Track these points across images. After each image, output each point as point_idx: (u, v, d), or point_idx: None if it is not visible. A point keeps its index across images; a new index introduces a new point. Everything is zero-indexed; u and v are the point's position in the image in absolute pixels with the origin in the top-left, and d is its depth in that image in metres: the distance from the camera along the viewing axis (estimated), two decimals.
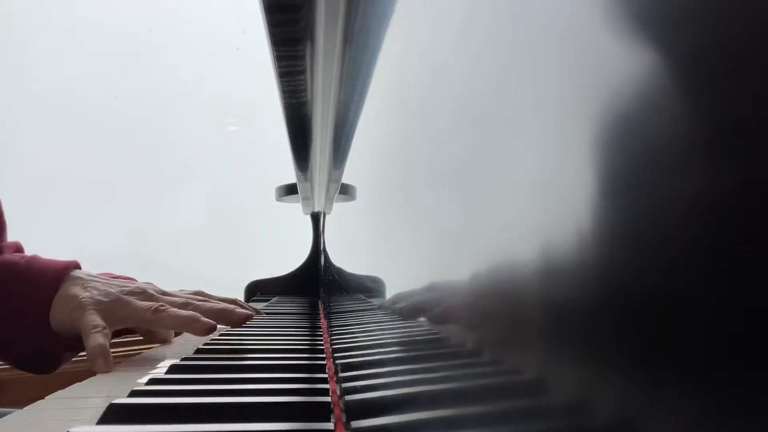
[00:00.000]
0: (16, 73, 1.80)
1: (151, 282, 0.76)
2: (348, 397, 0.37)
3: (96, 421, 0.38)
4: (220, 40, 1.97)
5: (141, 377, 0.54)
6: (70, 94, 1.84)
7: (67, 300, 0.67)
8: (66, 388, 0.53)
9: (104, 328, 0.64)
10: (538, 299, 0.13)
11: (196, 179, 1.99)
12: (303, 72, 0.55)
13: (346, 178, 0.75)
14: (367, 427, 0.33)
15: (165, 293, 0.73)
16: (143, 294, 0.70)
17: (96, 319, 0.64)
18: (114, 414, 0.39)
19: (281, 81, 0.57)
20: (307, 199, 1.27)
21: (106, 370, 0.61)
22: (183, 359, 0.60)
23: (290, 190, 1.35)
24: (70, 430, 0.36)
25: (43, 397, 0.49)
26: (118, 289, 0.69)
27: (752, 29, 0.07)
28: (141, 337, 0.83)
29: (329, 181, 0.87)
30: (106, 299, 0.67)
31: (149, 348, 0.83)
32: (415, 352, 0.28)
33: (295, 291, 1.48)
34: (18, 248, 0.82)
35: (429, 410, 0.23)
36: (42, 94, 1.82)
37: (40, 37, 1.82)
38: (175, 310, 0.68)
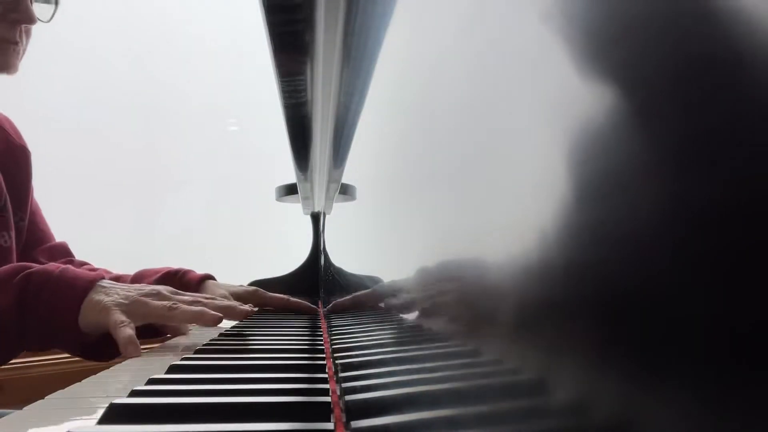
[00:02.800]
0: (17, 73, 1.80)
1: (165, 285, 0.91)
2: (348, 397, 0.37)
3: (96, 421, 0.38)
4: (221, 40, 1.97)
5: (141, 377, 0.54)
6: (71, 94, 1.84)
7: (93, 305, 0.79)
8: (66, 388, 0.53)
9: (129, 323, 0.76)
10: (538, 299, 0.13)
11: (196, 179, 1.99)
12: (303, 72, 0.54)
13: (346, 178, 0.75)
14: (367, 427, 0.33)
15: (177, 293, 0.86)
16: (158, 295, 0.83)
17: (120, 316, 0.76)
18: (114, 414, 0.39)
19: (281, 81, 0.57)
20: (307, 199, 1.27)
21: (138, 355, 0.72)
22: (183, 359, 0.60)
23: (290, 190, 1.35)
24: (70, 430, 0.36)
25: (43, 397, 0.49)
26: (136, 292, 0.82)
27: (742, 37, 0.07)
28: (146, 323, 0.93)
29: (329, 181, 0.87)
30: (126, 301, 0.79)
31: (149, 348, 0.83)
32: (415, 352, 0.28)
33: (295, 291, 1.48)
34: (65, 248, 1.10)
35: (429, 410, 0.23)
36: (43, 95, 1.82)
37: (42, 36, 1.82)
38: (186, 306, 0.81)
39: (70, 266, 0.85)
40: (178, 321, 0.83)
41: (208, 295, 0.91)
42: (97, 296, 0.80)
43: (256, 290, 1.12)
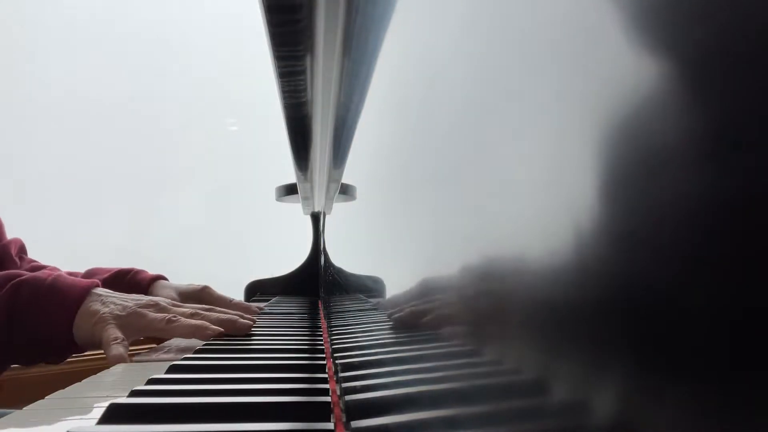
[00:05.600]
0: (16, 73, 1.80)
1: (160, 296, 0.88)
2: (348, 397, 0.37)
3: (96, 421, 0.38)
4: (221, 40, 1.97)
5: (141, 377, 0.54)
6: (71, 94, 1.84)
7: (89, 315, 0.75)
8: (66, 388, 0.53)
9: (123, 339, 0.72)
10: (539, 299, 0.13)
11: (196, 179, 1.99)
12: (303, 72, 0.54)
13: (346, 178, 0.75)
14: (367, 427, 0.33)
15: (175, 305, 0.82)
16: (156, 306, 0.79)
17: (115, 332, 0.73)
18: (114, 414, 0.39)
19: (281, 81, 0.57)
20: (307, 199, 1.27)
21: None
22: (183, 359, 0.60)
23: (290, 190, 1.35)
24: (70, 430, 0.36)
25: (43, 397, 0.49)
26: (134, 302, 0.78)
27: (754, 30, 0.07)
28: (141, 338, 0.89)
29: (329, 181, 0.87)
30: (123, 313, 0.76)
31: (149, 348, 0.83)
32: (415, 352, 0.28)
33: (295, 291, 1.48)
34: (21, 246, 0.92)
35: (429, 410, 0.23)
36: (42, 94, 1.82)
37: (41, 36, 1.82)
38: (186, 320, 0.77)
39: (62, 273, 0.81)
40: (177, 335, 0.79)
41: (207, 306, 0.86)
42: (94, 306, 0.76)
43: (204, 288, 1.03)
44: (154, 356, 0.74)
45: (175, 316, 0.77)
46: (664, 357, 0.08)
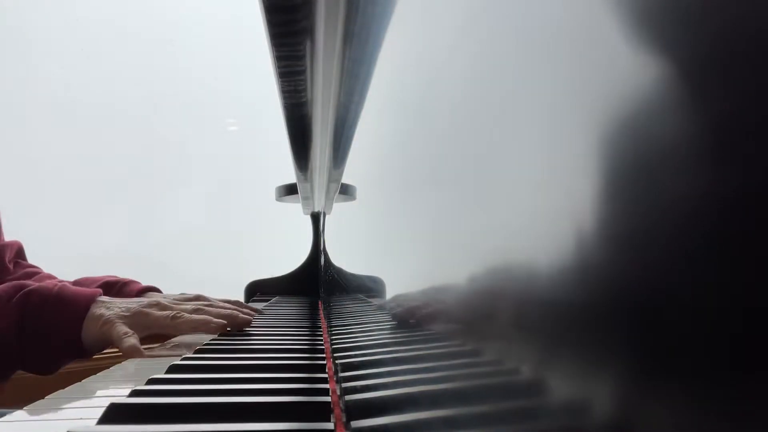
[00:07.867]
0: (16, 73, 1.80)
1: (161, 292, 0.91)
2: (348, 397, 0.37)
3: (96, 421, 0.38)
4: (220, 40, 1.97)
5: (142, 377, 0.54)
6: (71, 94, 1.84)
7: (95, 319, 0.80)
8: (66, 388, 0.53)
9: (133, 333, 0.77)
10: (538, 299, 0.13)
11: (196, 179, 1.99)
12: (303, 72, 0.54)
13: (346, 178, 0.75)
14: (367, 427, 0.33)
15: (177, 302, 0.87)
16: (159, 305, 0.84)
17: (124, 327, 0.78)
18: (114, 414, 0.39)
19: (281, 81, 0.57)
20: (307, 199, 1.27)
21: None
22: (183, 359, 0.60)
23: (290, 190, 1.35)
24: (70, 430, 0.36)
25: (43, 397, 0.49)
26: (137, 304, 0.83)
27: (754, 29, 0.07)
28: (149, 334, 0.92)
29: (329, 181, 0.87)
30: (128, 314, 0.81)
31: (149, 348, 0.84)
32: (415, 352, 0.28)
33: (295, 291, 1.48)
34: (18, 250, 0.95)
35: (429, 410, 0.23)
36: (42, 94, 1.82)
37: (41, 36, 1.82)
38: (190, 315, 0.82)
39: (66, 283, 0.86)
40: (182, 331, 0.84)
41: (207, 302, 0.90)
42: (99, 311, 0.81)
43: (198, 297, 0.99)
44: (156, 351, 0.75)
45: (179, 313, 0.82)
46: (664, 357, 0.08)
